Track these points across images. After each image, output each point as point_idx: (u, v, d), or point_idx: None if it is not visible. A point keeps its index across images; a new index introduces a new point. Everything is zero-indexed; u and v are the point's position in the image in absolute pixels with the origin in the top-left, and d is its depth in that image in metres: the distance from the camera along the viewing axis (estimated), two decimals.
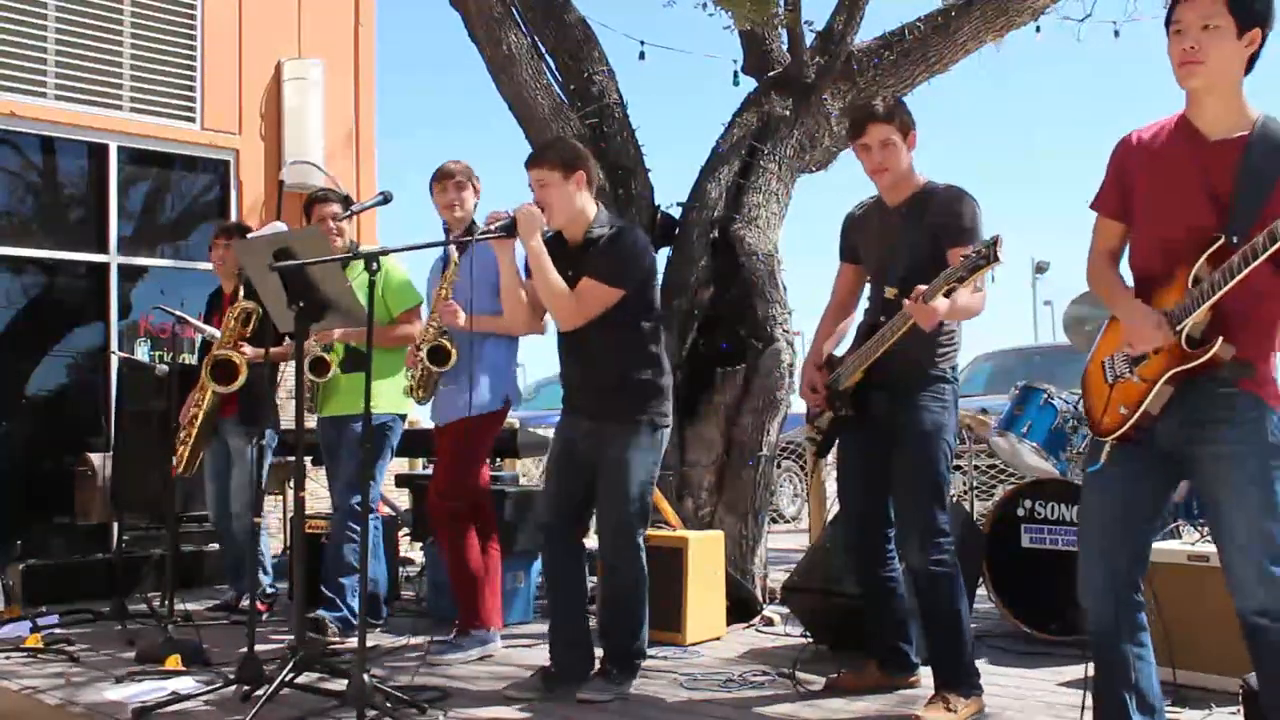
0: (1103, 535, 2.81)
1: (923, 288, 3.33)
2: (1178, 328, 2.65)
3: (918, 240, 3.60)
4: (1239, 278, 2.55)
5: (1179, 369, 2.66)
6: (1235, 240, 2.60)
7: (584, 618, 4.10)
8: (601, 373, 3.99)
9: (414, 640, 4.83)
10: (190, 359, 6.91)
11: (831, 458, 4.05)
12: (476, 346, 4.57)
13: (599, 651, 4.05)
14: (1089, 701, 3.80)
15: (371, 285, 3.67)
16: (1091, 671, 2.84)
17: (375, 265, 3.65)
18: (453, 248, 4.59)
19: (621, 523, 3.93)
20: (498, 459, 6.93)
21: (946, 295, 3.32)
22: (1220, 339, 2.63)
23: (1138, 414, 2.73)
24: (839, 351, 3.97)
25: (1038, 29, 6.37)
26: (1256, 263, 2.52)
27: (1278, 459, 2.64)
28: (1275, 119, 2.73)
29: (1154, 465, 2.79)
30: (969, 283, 3.27)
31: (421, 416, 5.98)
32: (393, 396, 5.00)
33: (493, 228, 3.94)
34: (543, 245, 3.90)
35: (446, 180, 4.73)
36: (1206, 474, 2.71)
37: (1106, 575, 2.80)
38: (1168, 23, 2.71)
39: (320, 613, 4.90)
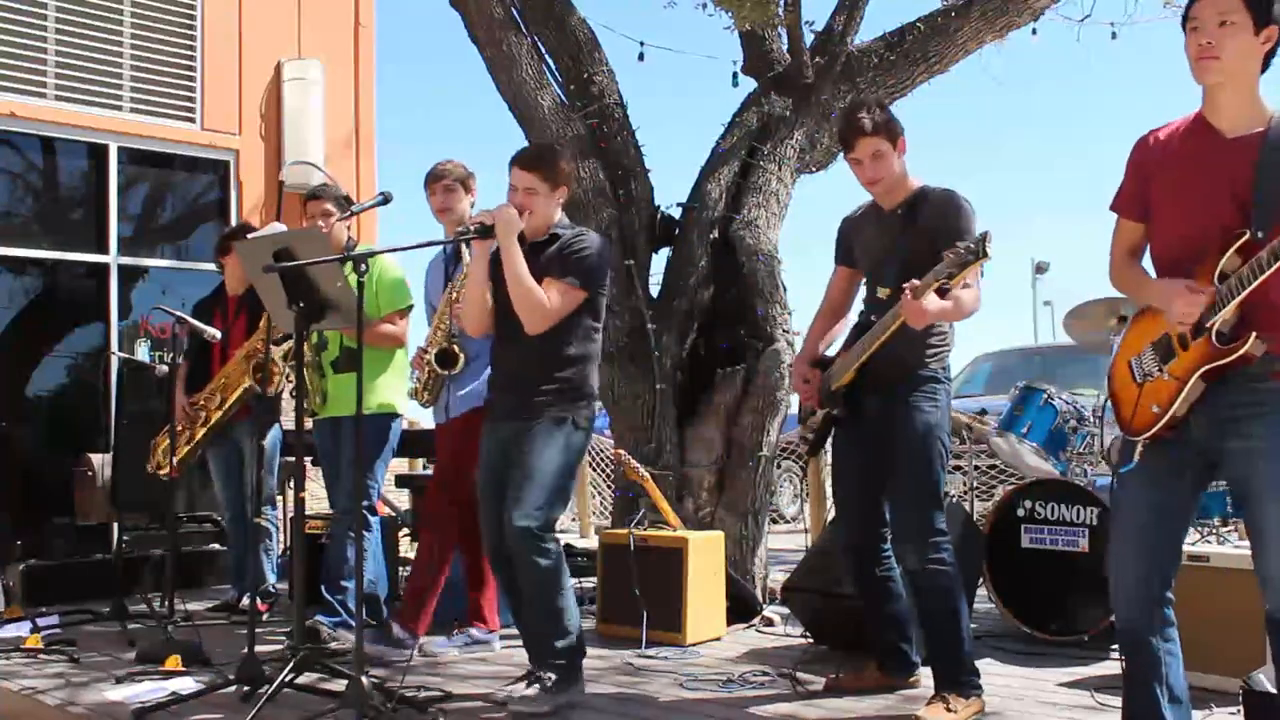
0: (1138, 536, 2.82)
1: (915, 282, 3.35)
2: (1207, 324, 2.64)
3: (913, 242, 3.62)
4: (1268, 273, 2.54)
5: (1211, 365, 2.65)
6: (1260, 235, 2.60)
7: None
8: (537, 372, 3.87)
9: (418, 640, 4.82)
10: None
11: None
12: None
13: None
14: (1102, 699, 3.80)
15: (361, 287, 3.67)
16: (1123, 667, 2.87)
17: (364, 267, 3.65)
18: (465, 250, 4.58)
19: (518, 516, 3.72)
20: None
21: (938, 293, 3.34)
22: (1253, 335, 2.61)
23: (1170, 412, 2.72)
24: (830, 353, 3.99)
25: (1034, 31, 6.38)
26: None
27: None
28: None
29: (1187, 462, 2.78)
30: (959, 279, 3.30)
31: (422, 417, 5.97)
32: (391, 394, 5.00)
33: (470, 229, 3.89)
34: (519, 249, 3.83)
35: (435, 184, 4.77)
36: (1239, 469, 2.71)
37: (1140, 575, 2.82)
38: (1185, 19, 2.70)
39: (318, 619, 4.89)
